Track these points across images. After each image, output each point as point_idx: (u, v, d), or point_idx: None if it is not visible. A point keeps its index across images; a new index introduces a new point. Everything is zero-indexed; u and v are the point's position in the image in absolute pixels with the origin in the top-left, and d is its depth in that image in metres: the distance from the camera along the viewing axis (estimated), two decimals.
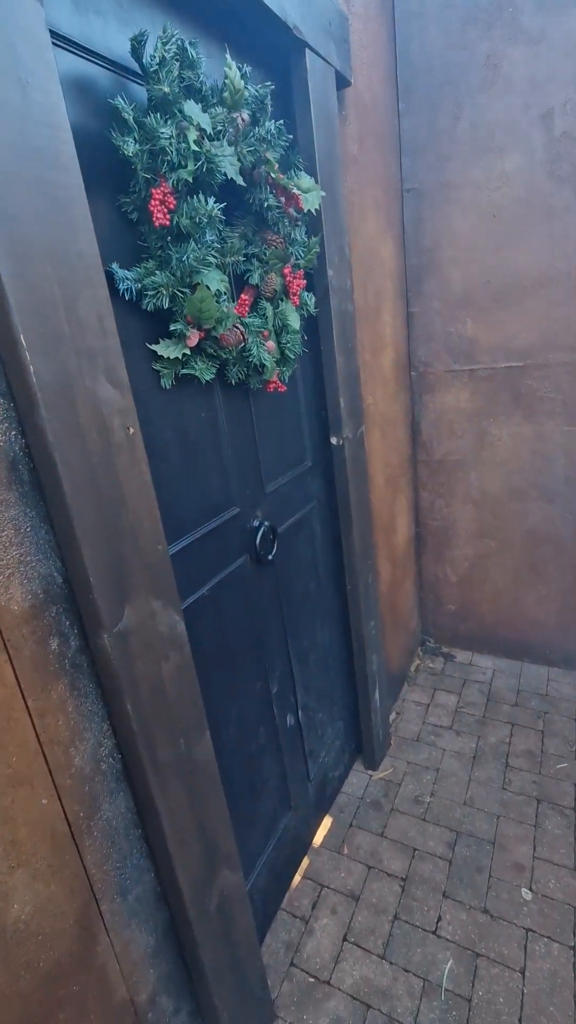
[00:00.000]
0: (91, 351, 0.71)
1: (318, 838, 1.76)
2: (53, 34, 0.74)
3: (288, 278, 1.19)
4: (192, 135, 0.84)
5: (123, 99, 0.79)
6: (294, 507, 1.51)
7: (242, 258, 1.08)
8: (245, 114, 0.95)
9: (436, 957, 1.40)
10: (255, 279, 1.12)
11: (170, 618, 0.89)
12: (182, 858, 0.94)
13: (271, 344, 1.16)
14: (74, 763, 0.78)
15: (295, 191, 1.12)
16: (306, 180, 1.17)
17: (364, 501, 1.75)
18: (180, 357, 0.97)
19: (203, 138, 0.88)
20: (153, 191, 0.84)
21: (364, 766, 2.02)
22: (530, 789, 1.83)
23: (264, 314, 1.15)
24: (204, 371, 1.02)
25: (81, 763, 0.79)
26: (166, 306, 0.91)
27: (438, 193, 2.00)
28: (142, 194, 0.85)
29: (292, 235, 1.19)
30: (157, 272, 0.89)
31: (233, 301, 1.10)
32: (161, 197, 0.84)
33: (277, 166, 1.05)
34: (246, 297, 1.12)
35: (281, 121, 1.06)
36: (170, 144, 0.82)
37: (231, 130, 0.94)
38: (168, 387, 0.99)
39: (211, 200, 0.89)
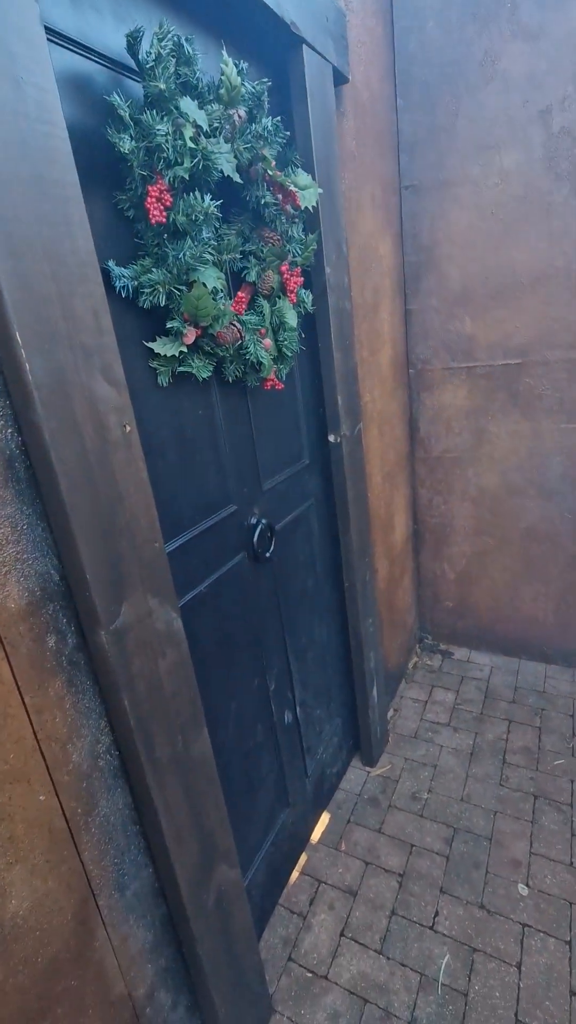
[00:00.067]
0: (87, 348, 0.71)
1: (316, 834, 1.77)
2: (48, 30, 0.74)
3: (285, 275, 1.19)
4: (188, 132, 0.84)
5: (119, 96, 0.79)
6: (292, 505, 1.52)
7: (239, 255, 1.08)
8: (242, 111, 0.95)
9: (433, 952, 1.41)
10: (252, 276, 1.12)
11: (167, 615, 0.89)
12: (180, 854, 0.94)
13: (268, 342, 1.16)
14: (72, 759, 0.78)
15: (292, 188, 1.11)
16: (303, 177, 1.17)
17: (362, 498, 1.75)
18: (177, 355, 0.97)
19: (199, 135, 0.88)
20: (149, 188, 0.84)
21: (362, 763, 2.03)
22: (527, 785, 1.84)
23: (261, 312, 1.15)
24: (201, 369, 1.02)
25: (79, 759, 0.79)
26: (163, 304, 0.91)
27: (436, 190, 2.00)
28: (138, 191, 0.85)
29: (289, 232, 1.19)
30: (154, 269, 0.89)
31: (230, 299, 1.09)
32: (157, 194, 0.84)
33: (274, 163, 1.05)
34: (243, 295, 1.12)
35: (278, 118, 1.06)
36: (166, 141, 0.82)
37: (228, 127, 0.94)
38: (165, 385, 0.99)
39: (208, 197, 0.89)
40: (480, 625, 2.54)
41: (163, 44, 0.80)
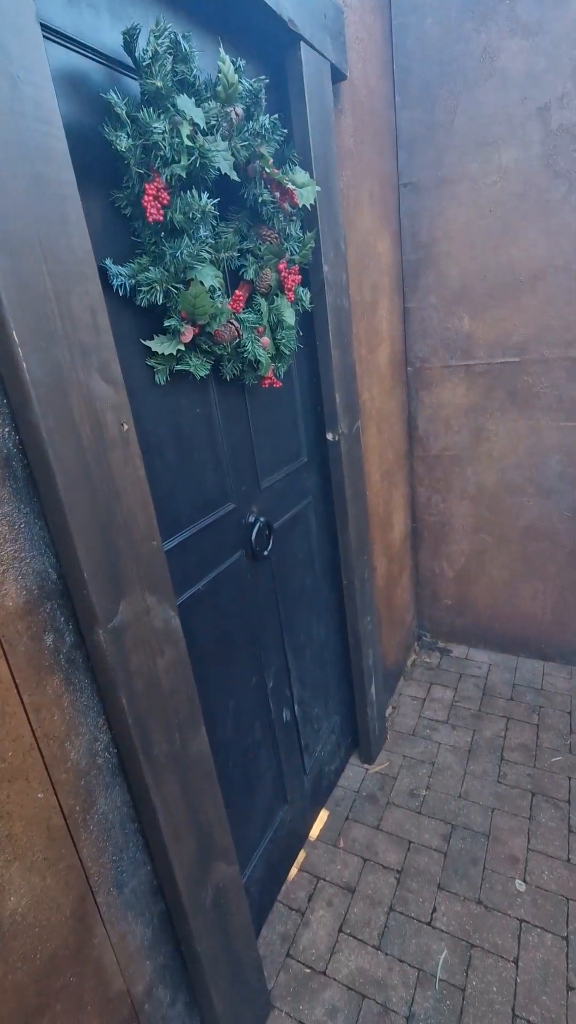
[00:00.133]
0: (84, 347, 0.71)
1: (314, 831, 1.77)
2: (44, 28, 0.74)
3: (283, 273, 1.19)
4: (185, 130, 0.84)
5: (116, 93, 0.79)
6: (290, 503, 1.52)
7: (236, 254, 1.07)
8: (239, 108, 0.95)
9: (431, 948, 1.41)
10: (250, 275, 1.12)
11: (165, 613, 0.89)
12: (178, 851, 0.95)
13: (266, 340, 1.16)
14: (70, 757, 0.78)
15: (290, 186, 1.11)
16: (301, 175, 1.17)
17: (360, 497, 1.75)
18: (174, 353, 0.97)
19: (196, 133, 0.87)
20: (146, 186, 0.84)
21: (360, 760, 2.03)
22: (525, 782, 1.85)
23: (259, 310, 1.14)
24: (199, 367, 1.02)
25: (77, 757, 0.80)
26: (160, 302, 0.91)
27: (435, 187, 1.99)
28: (135, 189, 0.85)
29: (287, 230, 1.19)
30: (151, 268, 0.89)
31: (228, 297, 1.09)
32: (154, 192, 0.84)
33: (272, 161, 1.05)
34: (241, 293, 1.11)
35: (276, 115, 1.06)
36: (163, 139, 0.82)
37: (225, 125, 0.94)
38: (163, 383, 0.99)
39: (205, 195, 0.89)
40: (478, 623, 2.55)
41: (160, 41, 0.80)
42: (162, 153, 0.82)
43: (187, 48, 0.85)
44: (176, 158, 0.84)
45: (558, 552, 2.25)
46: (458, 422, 2.26)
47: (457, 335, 2.14)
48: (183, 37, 0.84)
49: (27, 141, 0.63)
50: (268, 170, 1.04)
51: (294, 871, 1.65)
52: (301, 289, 1.30)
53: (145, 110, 0.80)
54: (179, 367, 1.00)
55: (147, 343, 0.94)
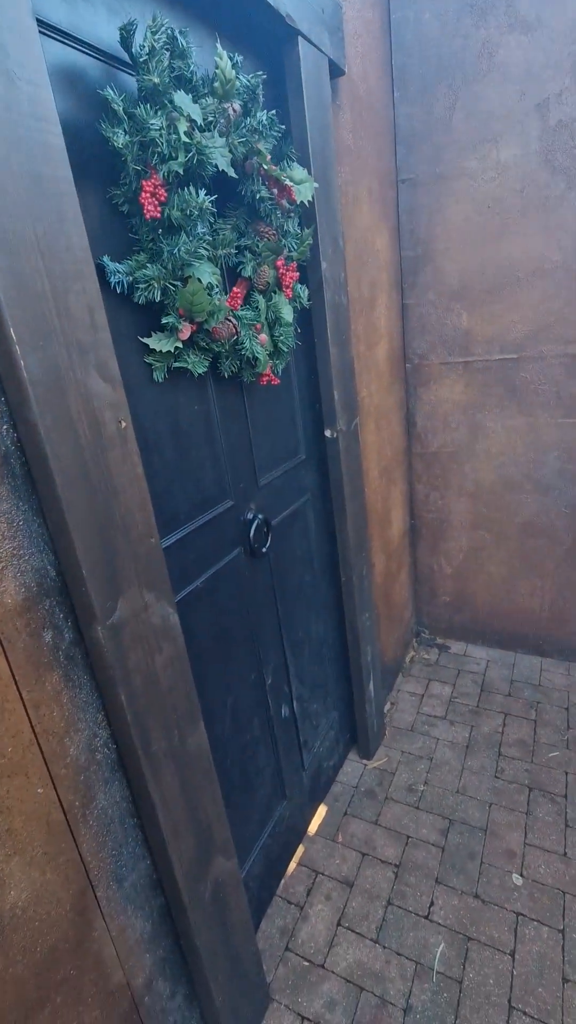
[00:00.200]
0: (82, 345, 0.71)
1: (313, 826, 1.78)
2: (40, 23, 0.74)
3: (281, 270, 1.19)
4: (182, 126, 0.83)
5: (112, 90, 0.79)
6: (288, 500, 1.52)
7: (234, 250, 1.07)
8: (236, 104, 0.95)
9: (428, 941, 1.42)
10: (248, 271, 1.12)
11: (163, 610, 0.90)
12: (177, 846, 0.95)
13: (264, 337, 1.16)
14: (69, 753, 0.79)
15: (288, 182, 1.11)
16: (299, 171, 1.17)
17: (358, 494, 1.75)
18: (172, 350, 0.97)
19: (194, 129, 0.87)
20: (144, 183, 0.84)
21: (359, 756, 2.04)
22: (522, 777, 1.86)
23: (257, 307, 1.14)
24: (197, 364, 1.02)
25: (76, 753, 0.80)
26: (158, 299, 0.91)
27: (433, 183, 1.99)
28: (132, 186, 0.84)
29: (285, 227, 1.18)
30: (148, 265, 0.89)
31: (225, 294, 1.09)
32: (152, 189, 0.84)
33: (269, 157, 1.05)
34: (238, 290, 1.11)
35: (273, 111, 1.06)
36: (160, 135, 0.81)
37: (222, 121, 0.93)
38: (161, 380, 0.99)
39: (202, 192, 0.89)
40: (477, 619, 2.56)
41: (157, 37, 0.80)
42: (159, 150, 0.82)
43: (184, 44, 0.85)
44: (173, 155, 0.84)
45: (556, 549, 2.25)
46: (456, 419, 2.27)
47: (455, 332, 2.14)
48: (180, 32, 0.84)
49: (23, 138, 0.63)
50: (266, 167, 1.04)
51: (293, 866, 1.66)
52: (299, 286, 1.30)
53: (142, 106, 0.80)
54: (177, 364, 1.00)
55: (145, 340, 0.94)
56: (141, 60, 0.80)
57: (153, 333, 0.95)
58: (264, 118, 1.02)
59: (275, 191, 1.11)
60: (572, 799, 1.76)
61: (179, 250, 0.89)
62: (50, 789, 0.76)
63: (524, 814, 1.73)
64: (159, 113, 0.82)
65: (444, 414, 2.28)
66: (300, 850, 1.71)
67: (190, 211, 0.88)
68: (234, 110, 0.94)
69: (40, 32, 0.73)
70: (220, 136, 0.93)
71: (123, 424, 0.79)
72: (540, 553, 2.29)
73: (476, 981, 1.33)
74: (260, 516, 1.35)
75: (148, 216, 0.85)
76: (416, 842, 1.69)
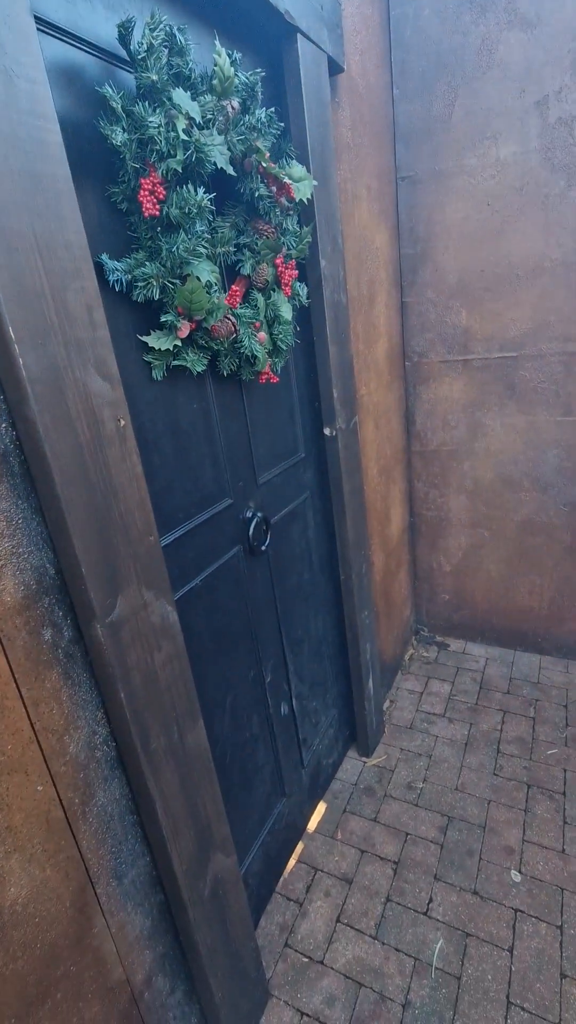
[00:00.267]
0: (80, 343, 0.71)
1: (312, 823, 1.79)
2: (38, 20, 0.73)
3: (280, 268, 1.19)
4: (181, 124, 0.83)
5: (111, 87, 0.79)
6: (287, 498, 1.52)
7: (233, 248, 1.07)
8: (235, 102, 0.94)
9: (427, 937, 1.43)
10: (246, 269, 1.12)
11: (162, 608, 0.90)
12: (176, 843, 0.96)
13: (263, 335, 1.16)
14: (68, 751, 0.79)
15: (286, 180, 1.11)
16: (298, 169, 1.17)
17: (358, 492, 1.75)
18: (171, 349, 0.97)
19: (192, 127, 0.87)
20: (142, 181, 0.84)
21: (358, 753, 2.05)
22: (521, 775, 1.87)
23: (256, 305, 1.14)
24: (195, 362, 1.02)
25: (75, 751, 0.80)
26: (156, 297, 0.91)
27: (433, 181, 1.99)
28: (131, 184, 0.84)
29: (284, 225, 1.18)
30: (147, 263, 0.89)
31: (224, 292, 1.09)
32: (150, 187, 0.84)
33: (268, 155, 1.05)
34: (237, 288, 1.11)
35: (272, 109, 1.06)
36: (159, 133, 0.81)
37: (221, 118, 0.93)
38: (159, 379, 0.99)
39: (201, 190, 0.88)
40: (476, 617, 2.56)
41: (155, 34, 0.80)
42: (158, 147, 0.82)
43: (182, 41, 0.85)
44: (172, 152, 0.84)
45: (555, 547, 2.26)
46: (456, 417, 2.27)
47: (455, 330, 2.14)
48: (178, 30, 0.84)
49: (21, 136, 0.63)
50: (264, 164, 1.04)
51: (292, 862, 1.67)
52: (298, 284, 1.30)
53: (140, 104, 0.80)
54: (176, 363, 1.00)
55: (144, 339, 0.94)
56: (139, 57, 0.80)
57: (152, 331, 0.95)
58: (263, 116, 1.02)
59: (274, 189, 1.11)
60: (570, 796, 1.76)
61: (178, 248, 0.89)
62: (49, 786, 0.76)
63: (523, 811, 1.73)
64: (158, 111, 0.82)
65: (443, 412, 2.28)
66: (299, 847, 1.71)
67: (189, 209, 0.88)
68: (233, 108, 0.94)
69: (38, 29, 0.73)
70: (219, 134, 0.93)
71: (122, 422, 0.79)
72: (539, 551, 2.30)
73: (475, 977, 1.33)
74: (259, 514, 1.35)
75: (147, 214, 0.85)
76: (415, 839, 1.69)
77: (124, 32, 0.78)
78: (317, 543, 1.71)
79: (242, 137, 0.98)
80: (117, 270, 0.86)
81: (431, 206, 2.02)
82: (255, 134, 1.01)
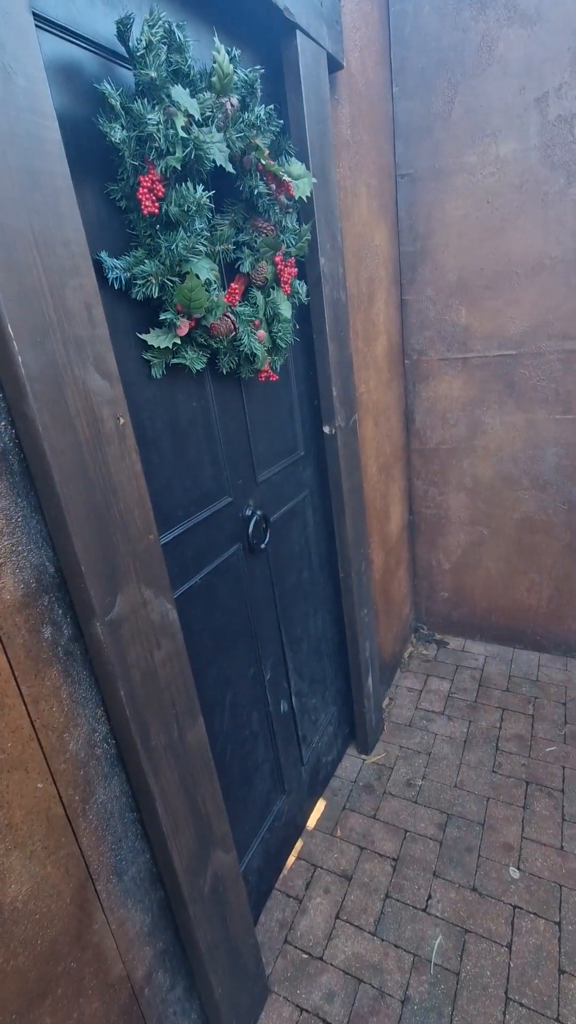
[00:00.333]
0: (79, 341, 0.71)
1: (312, 821, 1.79)
2: (36, 16, 0.73)
3: (279, 266, 1.19)
4: (180, 121, 0.83)
5: (109, 84, 0.79)
6: (287, 496, 1.52)
7: (232, 246, 1.07)
8: (234, 99, 0.94)
9: (426, 933, 1.44)
10: (246, 267, 1.11)
11: (162, 606, 0.90)
12: (176, 840, 0.96)
13: (262, 333, 1.16)
14: (68, 748, 0.79)
15: (286, 178, 1.11)
16: (297, 167, 1.16)
17: (357, 490, 1.76)
18: (170, 347, 0.97)
19: (191, 124, 0.87)
20: (141, 178, 0.83)
21: (357, 751, 2.05)
22: (519, 772, 1.87)
23: (255, 303, 1.14)
24: (195, 361, 1.02)
25: (75, 748, 0.80)
26: (156, 295, 0.91)
27: (432, 179, 1.98)
28: (130, 182, 0.84)
29: (283, 222, 1.18)
30: (146, 261, 0.88)
31: (223, 290, 1.09)
32: (149, 185, 0.84)
33: (267, 152, 1.04)
34: (236, 286, 1.11)
35: (271, 106, 1.05)
36: (158, 130, 0.81)
37: (220, 116, 0.93)
38: (159, 377, 0.99)
39: (200, 187, 0.88)
40: (475, 615, 2.57)
41: (154, 31, 0.79)
42: (157, 145, 0.82)
43: (181, 37, 0.84)
44: (171, 150, 0.84)
45: (554, 544, 2.26)
46: (455, 415, 2.27)
47: (454, 328, 2.14)
48: (177, 26, 0.84)
49: (20, 133, 0.62)
50: (264, 162, 1.04)
51: (292, 859, 1.67)
52: (297, 282, 1.30)
53: (139, 101, 0.80)
54: (175, 361, 1.00)
55: (143, 337, 0.94)
56: (138, 54, 0.80)
57: (151, 329, 0.95)
58: (262, 113, 1.01)
59: (273, 186, 1.10)
60: (569, 793, 1.77)
61: (177, 246, 0.89)
62: (50, 784, 0.76)
63: (521, 808, 1.74)
64: (156, 108, 0.82)
65: (443, 410, 2.28)
66: (299, 844, 1.72)
67: (188, 207, 0.88)
68: (232, 105, 0.94)
69: (36, 26, 0.73)
70: (218, 131, 0.93)
71: (121, 420, 0.79)
72: (538, 549, 2.30)
73: (473, 973, 1.34)
74: (259, 512, 1.35)
75: (146, 212, 0.85)
76: (414, 836, 1.70)
77: (123, 29, 0.78)
78: (316, 541, 1.72)
79: (241, 134, 0.98)
80: (116, 268, 0.86)
81: (431, 204, 2.01)
82: (254, 131, 1.01)
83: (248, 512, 1.33)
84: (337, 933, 1.46)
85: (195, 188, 0.88)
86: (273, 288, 1.20)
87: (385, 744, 2.07)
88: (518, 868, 1.57)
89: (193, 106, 0.86)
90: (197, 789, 1.02)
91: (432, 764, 1.95)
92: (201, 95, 0.90)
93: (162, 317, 0.94)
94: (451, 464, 2.35)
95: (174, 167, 0.85)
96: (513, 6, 1.70)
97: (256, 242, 1.11)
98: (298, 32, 1.21)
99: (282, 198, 1.13)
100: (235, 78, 0.94)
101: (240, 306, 1.11)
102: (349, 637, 1.88)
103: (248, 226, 1.11)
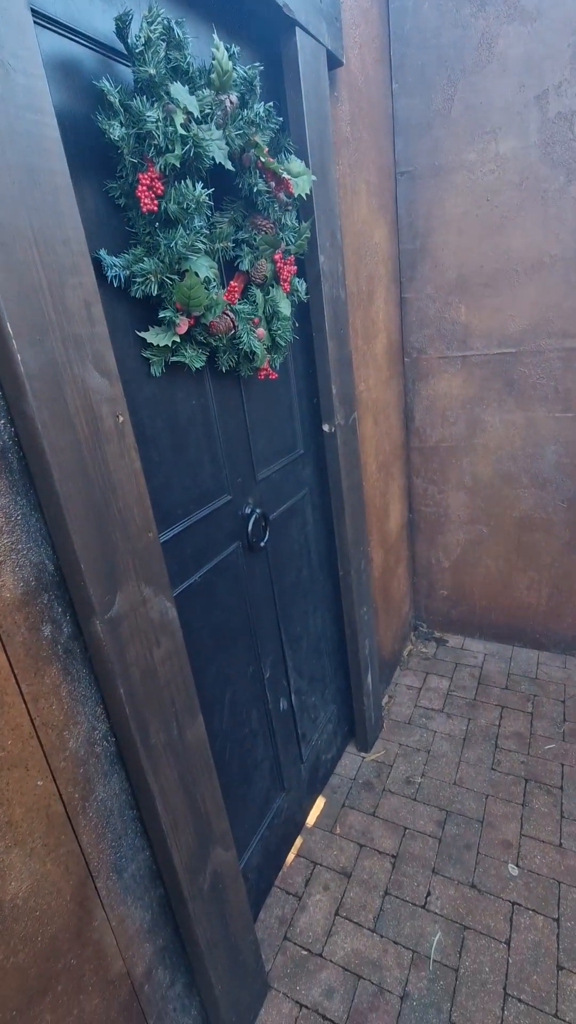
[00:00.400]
0: (78, 339, 0.71)
1: (311, 818, 1.80)
2: (35, 13, 0.73)
3: (279, 264, 1.19)
4: (179, 118, 0.83)
5: (108, 81, 0.78)
6: (286, 494, 1.52)
7: (231, 244, 1.07)
8: (233, 96, 0.94)
9: (425, 930, 1.44)
10: (245, 265, 1.11)
11: (161, 604, 0.90)
12: (176, 838, 0.96)
13: (261, 331, 1.16)
14: (68, 746, 0.79)
15: (285, 175, 1.10)
16: (296, 164, 1.16)
17: (356, 488, 1.76)
18: (170, 345, 0.96)
19: (190, 121, 0.87)
20: (140, 176, 0.83)
21: (357, 748, 2.06)
22: (518, 769, 1.88)
23: (254, 301, 1.14)
24: (194, 359, 1.02)
25: (75, 746, 0.81)
26: (155, 293, 0.90)
27: (432, 176, 1.98)
28: (129, 179, 0.84)
29: (283, 220, 1.18)
30: (145, 259, 0.88)
31: (223, 288, 1.09)
32: (148, 182, 0.84)
33: (267, 150, 1.04)
34: (236, 284, 1.11)
35: (271, 103, 1.05)
36: (157, 127, 0.81)
37: (219, 113, 0.93)
38: (158, 375, 0.99)
39: (199, 185, 0.88)
40: (474, 613, 2.57)
41: (153, 28, 0.79)
42: (156, 142, 0.82)
43: (180, 34, 0.84)
44: (170, 147, 0.84)
45: (553, 542, 2.26)
46: (455, 413, 2.27)
47: (454, 325, 2.14)
48: (176, 23, 0.83)
49: (18, 130, 0.62)
50: (263, 159, 1.03)
51: (291, 856, 1.68)
52: (297, 279, 1.29)
53: (138, 98, 0.80)
54: (174, 359, 1.00)
55: (142, 335, 0.94)
56: (137, 51, 0.80)
57: (150, 327, 0.95)
58: (261, 110, 1.01)
59: (272, 184, 1.10)
60: (568, 791, 1.77)
61: (176, 244, 0.89)
62: (49, 781, 0.76)
63: (520, 805, 1.74)
64: (155, 105, 0.82)
65: (442, 408, 2.28)
66: (298, 841, 1.72)
67: (187, 204, 0.88)
68: (231, 102, 0.93)
69: (35, 23, 0.73)
70: (217, 128, 0.92)
71: (120, 418, 0.79)
72: (537, 547, 2.30)
73: (472, 969, 1.34)
74: (258, 510, 1.35)
75: (145, 209, 0.85)
76: (413, 833, 1.70)
77: (122, 25, 0.78)
78: (316, 539, 1.72)
79: (240, 132, 0.98)
80: (115, 266, 0.86)
81: (430, 201, 2.01)
82: (253, 129, 1.00)
83: (247, 510, 1.33)
84: (336, 930, 1.47)
85: (194, 186, 0.87)
86: (272, 286, 1.20)
87: (384, 742, 2.08)
88: (517, 865, 1.57)
89: (192, 103, 0.85)
90: (196, 787, 1.02)
91: (431, 761, 1.96)
92: (200, 92, 0.89)
93: (161, 315, 0.94)
94: (451, 462, 2.35)
95: (173, 165, 0.84)
96: (513, 3, 1.69)
97: (255, 240, 1.11)
98: (297, 29, 1.20)
99: (281, 196, 1.13)
100: (234, 75, 0.94)
101: (239, 304, 1.11)
102: (348, 635, 1.89)
103: (247, 224, 1.10)
